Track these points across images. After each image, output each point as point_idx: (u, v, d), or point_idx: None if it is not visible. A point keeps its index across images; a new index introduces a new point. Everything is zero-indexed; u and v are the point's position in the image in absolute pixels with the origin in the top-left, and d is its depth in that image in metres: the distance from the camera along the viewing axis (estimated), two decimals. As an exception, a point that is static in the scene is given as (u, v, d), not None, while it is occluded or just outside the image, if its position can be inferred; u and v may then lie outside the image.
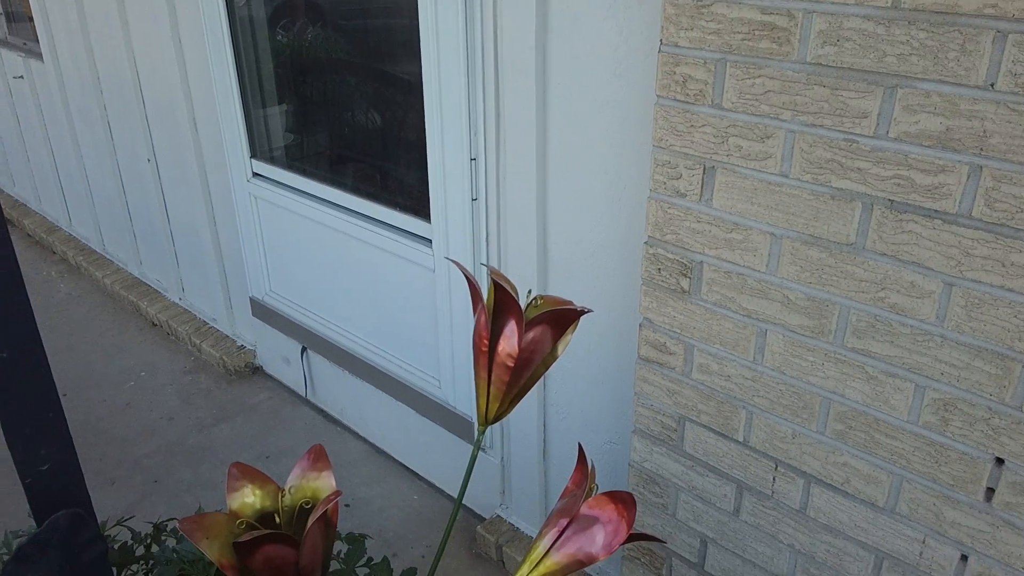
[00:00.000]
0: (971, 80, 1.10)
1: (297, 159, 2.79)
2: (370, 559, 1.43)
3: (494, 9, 1.82)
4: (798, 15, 1.22)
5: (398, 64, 2.33)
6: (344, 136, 2.65)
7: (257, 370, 3.35)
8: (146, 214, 3.66)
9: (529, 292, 1.04)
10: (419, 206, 2.29)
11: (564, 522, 0.88)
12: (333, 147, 2.70)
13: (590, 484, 0.92)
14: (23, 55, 4.04)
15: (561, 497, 0.95)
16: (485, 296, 0.98)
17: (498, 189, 2.00)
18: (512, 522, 2.44)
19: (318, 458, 0.95)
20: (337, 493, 0.90)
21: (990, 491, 1.28)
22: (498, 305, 0.97)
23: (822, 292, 1.35)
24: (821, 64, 1.22)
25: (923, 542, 1.39)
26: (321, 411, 3.10)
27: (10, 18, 4.20)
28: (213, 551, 0.84)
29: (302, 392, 3.15)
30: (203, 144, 3.08)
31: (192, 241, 3.43)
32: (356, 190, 2.52)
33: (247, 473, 0.93)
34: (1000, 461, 1.26)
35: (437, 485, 2.71)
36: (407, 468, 2.79)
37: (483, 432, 1.04)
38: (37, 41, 3.83)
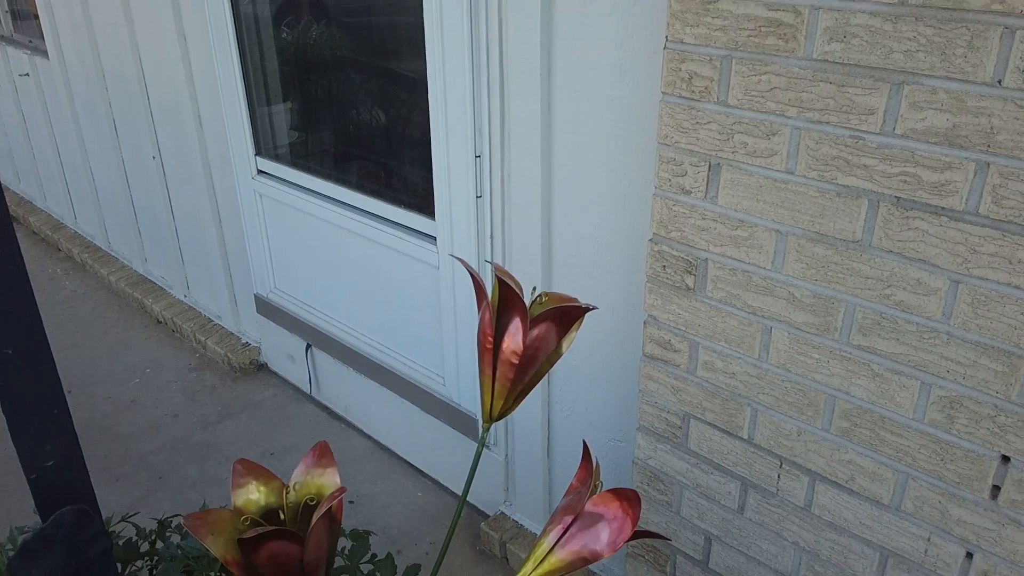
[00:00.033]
0: (978, 77, 1.10)
1: (302, 156, 2.79)
2: (374, 555, 1.43)
3: (499, 6, 1.81)
4: (804, 11, 1.21)
5: (403, 61, 2.33)
6: (349, 133, 2.65)
7: (262, 367, 3.36)
8: (151, 211, 3.67)
9: (534, 289, 1.04)
10: (424, 203, 2.29)
11: (569, 519, 0.88)
12: (338, 144, 2.70)
13: (595, 481, 0.92)
14: (29, 53, 4.05)
15: (566, 494, 0.95)
16: (490, 293, 0.98)
17: (503, 186, 2.00)
18: (516, 519, 2.44)
19: (323, 454, 0.95)
20: (342, 490, 0.90)
21: (996, 489, 1.28)
22: (503, 302, 0.97)
23: (828, 289, 1.35)
24: (827, 61, 1.22)
25: (928, 540, 1.38)
26: (325, 408, 3.10)
27: (15, 16, 4.20)
28: (218, 547, 0.84)
29: (307, 389, 3.16)
30: (208, 141, 3.08)
31: (197, 238, 3.44)
32: (361, 187, 2.52)
33: (252, 469, 0.92)
34: (1006, 459, 1.25)
35: (441, 482, 2.71)
36: (411, 465, 2.79)
37: (487, 429, 1.04)
38: (43, 39, 3.84)
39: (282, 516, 0.91)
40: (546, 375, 1.25)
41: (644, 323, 1.63)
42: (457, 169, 2.06)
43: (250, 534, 0.83)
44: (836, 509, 1.49)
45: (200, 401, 3.17)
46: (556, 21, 1.74)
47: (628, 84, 1.67)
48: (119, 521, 1.50)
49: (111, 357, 3.49)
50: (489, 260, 2.13)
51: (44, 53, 3.89)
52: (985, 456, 1.27)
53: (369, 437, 2.94)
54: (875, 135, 1.21)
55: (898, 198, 1.22)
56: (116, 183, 3.81)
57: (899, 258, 1.25)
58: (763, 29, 1.26)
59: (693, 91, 1.38)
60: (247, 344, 3.40)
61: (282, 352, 3.20)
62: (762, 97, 1.30)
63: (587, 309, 0.97)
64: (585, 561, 0.88)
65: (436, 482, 2.72)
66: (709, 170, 1.42)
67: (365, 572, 1.42)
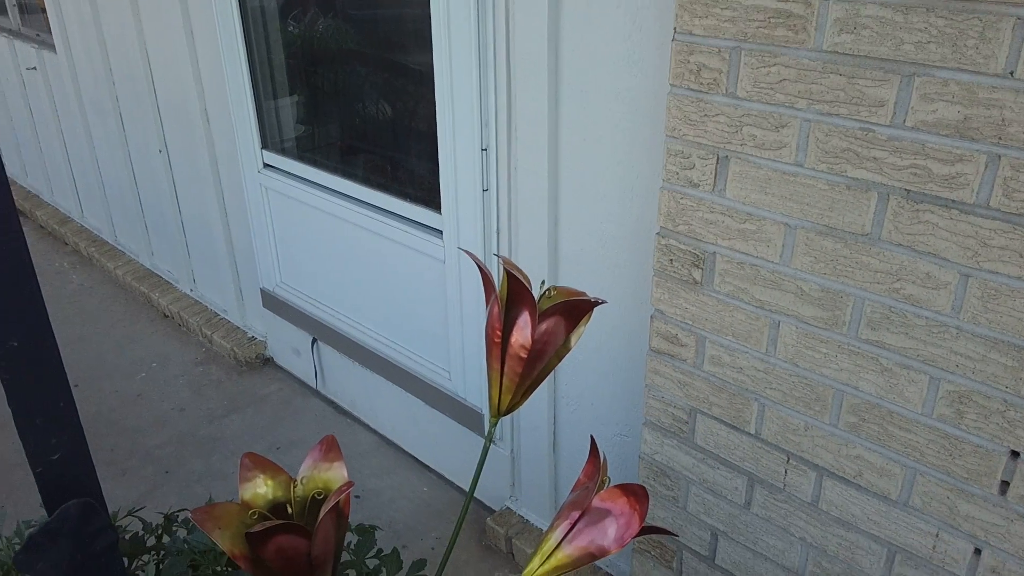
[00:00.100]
0: (990, 68, 1.09)
1: (308, 150, 2.79)
2: (380, 550, 1.43)
3: (505, -2, 1.81)
4: (815, 2, 1.20)
5: (409, 54, 2.32)
6: (355, 127, 2.65)
7: (268, 361, 3.36)
8: (158, 205, 3.67)
9: (542, 283, 1.03)
10: (430, 197, 2.28)
11: (576, 514, 0.87)
12: (344, 138, 2.70)
13: (602, 477, 0.91)
14: (36, 46, 4.05)
15: (573, 489, 0.94)
16: (498, 287, 0.98)
17: (509, 180, 2.00)
18: (522, 514, 2.44)
19: (330, 449, 0.95)
20: (349, 484, 0.89)
21: (1005, 484, 1.27)
22: (511, 296, 0.96)
23: (836, 283, 1.34)
24: (838, 52, 1.21)
25: (936, 535, 1.38)
26: (331, 402, 3.10)
27: (23, 9, 4.21)
28: (225, 541, 0.84)
29: (312, 383, 3.16)
30: (214, 135, 3.08)
31: (203, 232, 3.44)
32: (367, 181, 2.52)
33: (259, 463, 0.92)
34: (1015, 454, 1.24)
35: (447, 477, 2.71)
36: (417, 460, 2.79)
37: (495, 424, 1.03)
38: (50, 32, 3.84)
39: (289, 510, 0.91)
40: (553, 370, 1.24)
41: (651, 317, 1.63)
42: (464, 162, 2.06)
43: (258, 528, 0.83)
44: (844, 505, 1.48)
45: (206, 395, 3.18)
46: (564, 13, 1.73)
47: (636, 76, 1.66)
48: (125, 515, 1.50)
49: (118, 351, 3.49)
50: (497, 254, 2.12)
51: (52, 47, 3.89)
52: (994, 451, 1.26)
53: (375, 432, 2.94)
54: (885, 127, 1.20)
55: (908, 191, 1.21)
56: (123, 177, 3.82)
57: (909, 251, 1.24)
58: (772, 20, 1.25)
59: (701, 83, 1.37)
60: (253, 338, 3.40)
61: (288, 346, 3.20)
62: (771, 89, 1.29)
63: (596, 303, 0.97)
64: (592, 557, 0.87)
65: (442, 477, 2.72)
66: (717, 163, 1.41)
67: (371, 567, 1.42)
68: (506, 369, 0.98)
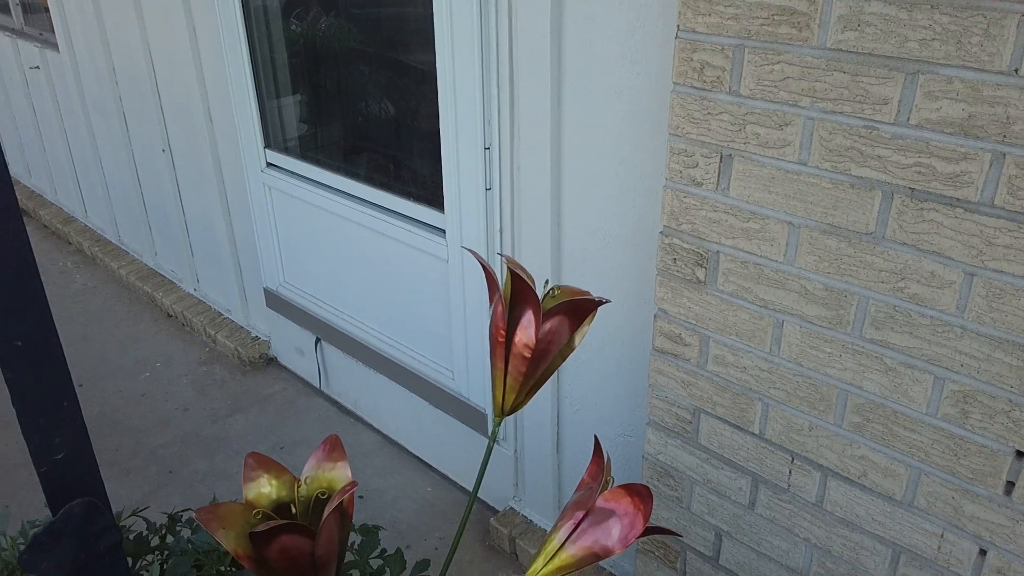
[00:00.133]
0: (994, 65, 1.08)
1: (311, 149, 2.79)
2: (384, 551, 1.43)
3: (508, -3, 1.80)
4: (818, 0, 1.20)
5: (412, 53, 2.32)
6: (358, 126, 2.65)
7: (271, 361, 3.36)
8: (161, 205, 3.67)
9: (546, 283, 1.03)
10: (433, 196, 2.28)
11: (580, 515, 0.87)
12: (347, 137, 2.70)
13: (606, 477, 0.91)
14: (39, 46, 4.05)
15: (577, 489, 0.94)
16: (502, 286, 0.98)
17: (512, 179, 1.99)
18: (525, 514, 2.44)
19: (334, 448, 0.95)
20: (353, 484, 0.89)
21: (1010, 485, 1.26)
22: (515, 295, 0.96)
23: (840, 282, 1.34)
24: (841, 50, 1.20)
25: (941, 536, 1.37)
26: (335, 402, 3.10)
27: (26, 8, 4.21)
28: (229, 541, 0.84)
29: (316, 383, 3.16)
30: (217, 134, 3.08)
31: (207, 232, 3.44)
32: (370, 180, 2.52)
33: (263, 463, 0.92)
34: (1020, 454, 1.24)
35: (450, 477, 2.71)
36: (420, 460, 2.79)
37: (499, 424, 1.03)
38: (53, 31, 3.85)
39: (293, 510, 0.91)
40: (556, 369, 1.24)
41: (654, 317, 1.62)
42: (466, 161, 2.06)
43: (262, 528, 0.83)
44: (848, 505, 1.48)
45: (210, 395, 3.18)
46: (566, 11, 1.73)
47: (639, 74, 1.66)
48: (129, 515, 1.50)
49: (121, 351, 3.50)
50: (501, 253, 2.12)
51: (55, 46, 3.89)
52: (999, 451, 1.26)
53: (378, 431, 2.94)
54: (889, 125, 1.19)
55: (912, 189, 1.21)
56: (126, 177, 3.82)
57: (913, 250, 1.24)
58: (776, 18, 1.25)
59: (705, 81, 1.37)
60: (256, 338, 3.40)
61: (291, 346, 3.20)
62: (775, 87, 1.29)
63: (600, 302, 0.96)
64: (596, 557, 0.87)
65: (445, 477, 2.72)
66: (721, 161, 1.40)
67: (375, 567, 1.42)
68: (510, 368, 0.98)
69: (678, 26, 1.37)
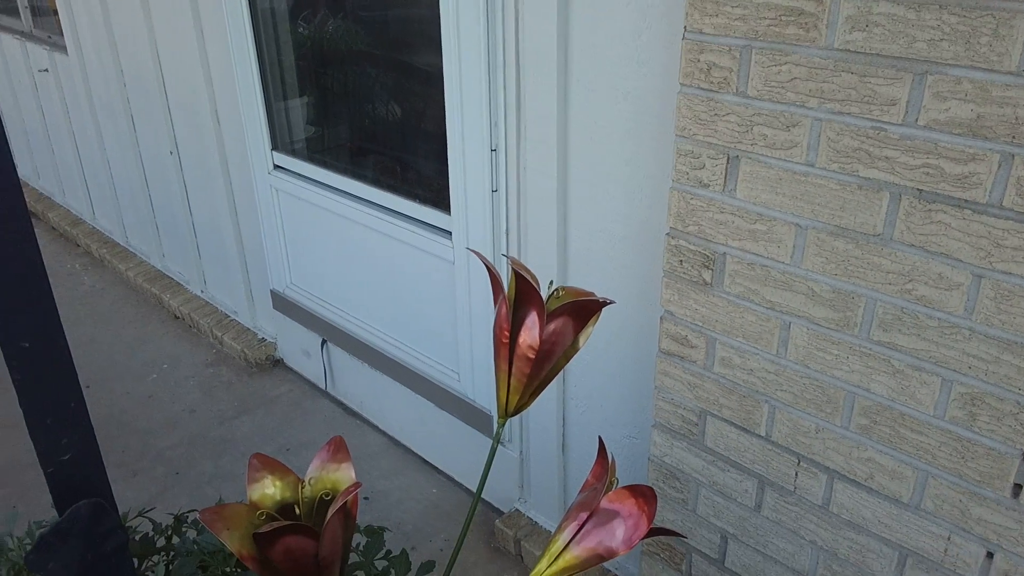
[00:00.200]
0: (1003, 66, 1.08)
1: (318, 151, 2.79)
2: (388, 552, 1.43)
3: (514, -1, 1.80)
4: (826, 0, 1.20)
5: (418, 55, 2.32)
6: (364, 128, 2.65)
7: (278, 363, 3.37)
8: (168, 207, 3.69)
9: (551, 283, 1.03)
10: (439, 198, 2.28)
11: (584, 516, 0.87)
12: (353, 139, 2.70)
13: (610, 478, 0.91)
14: (48, 48, 4.07)
15: (581, 491, 0.94)
16: (506, 287, 0.97)
17: (518, 180, 1.99)
18: (530, 516, 2.44)
19: (338, 449, 0.95)
20: (357, 485, 0.89)
21: (1017, 487, 1.26)
22: (519, 296, 0.96)
23: (848, 284, 1.33)
24: (849, 50, 1.20)
25: (948, 539, 1.36)
26: (341, 404, 3.10)
27: (35, 12, 4.23)
28: (233, 542, 0.84)
29: (322, 385, 3.16)
30: (225, 137, 3.09)
31: (214, 234, 3.45)
32: (376, 182, 2.52)
33: (267, 464, 0.92)
34: (1030, 457, 1.23)
35: (455, 478, 2.71)
36: (425, 461, 2.79)
37: (503, 425, 1.03)
38: (61, 34, 3.87)
39: (298, 511, 0.91)
40: (561, 370, 1.23)
41: (660, 318, 1.62)
42: (473, 163, 2.06)
43: (265, 529, 0.83)
44: (855, 508, 1.47)
45: (217, 397, 3.19)
46: (572, 12, 1.73)
47: (645, 75, 1.65)
48: (136, 516, 1.51)
49: (129, 352, 3.51)
50: (505, 254, 2.12)
51: (63, 49, 3.91)
52: (1007, 454, 1.25)
53: (384, 433, 2.94)
54: (897, 126, 1.19)
55: (920, 191, 1.20)
56: (134, 179, 3.84)
57: (921, 252, 1.23)
58: (783, 18, 1.24)
59: (712, 82, 1.37)
60: (263, 340, 3.41)
61: (298, 348, 3.21)
62: (782, 88, 1.28)
63: (605, 303, 0.96)
64: (600, 558, 0.87)
65: (450, 478, 2.72)
66: (727, 163, 1.40)
67: (379, 568, 1.42)
68: (514, 369, 0.98)
69: (685, 27, 1.37)
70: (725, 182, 1.42)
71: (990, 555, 1.32)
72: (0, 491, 2.69)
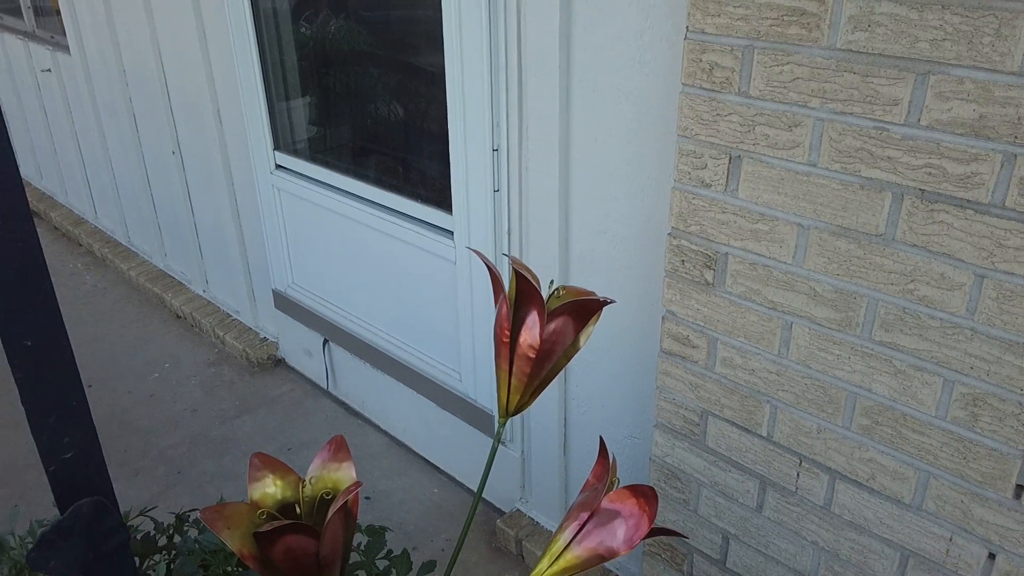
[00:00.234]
0: (1006, 66, 1.07)
1: (320, 151, 2.79)
2: (390, 551, 1.43)
3: (517, -1, 1.80)
4: (828, 0, 1.19)
5: (421, 55, 2.32)
6: (367, 128, 2.65)
7: (279, 362, 3.37)
8: (171, 207, 3.69)
9: (551, 283, 1.03)
10: (441, 198, 2.28)
11: (585, 516, 0.87)
12: (356, 139, 2.70)
13: (611, 478, 0.91)
14: (51, 48, 4.08)
15: (582, 491, 0.94)
16: (507, 287, 0.97)
17: (520, 180, 1.99)
18: (532, 516, 2.44)
19: (339, 449, 0.95)
20: (357, 484, 0.89)
21: (1020, 488, 1.25)
22: (520, 295, 0.96)
23: (850, 284, 1.33)
24: (852, 50, 1.20)
25: (950, 540, 1.36)
26: (342, 403, 3.11)
27: (38, 12, 4.24)
28: (234, 541, 0.84)
29: (324, 384, 3.16)
30: (227, 136, 3.10)
31: (216, 233, 3.45)
32: (378, 182, 2.52)
33: (268, 463, 0.92)
34: (1032, 458, 1.23)
35: (457, 478, 2.71)
36: (427, 461, 2.79)
37: (503, 425, 1.03)
38: (64, 34, 3.87)
39: (298, 510, 0.91)
40: (562, 370, 1.24)
41: (662, 318, 1.62)
42: (475, 163, 2.06)
43: (266, 528, 0.83)
44: (856, 508, 1.47)
45: (218, 396, 3.19)
46: (574, 12, 1.73)
47: (647, 76, 1.65)
48: (137, 515, 1.51)
49: (131, 352, 3.51)
50: (507, 253, 2.12)
51: (66, 49, 3.92)
52: (1009, 454, 1.24)
53: (386, 433, 2.94)
54: (900, 126, 1.19)
55: (922, 191, 1.20)
56: (136, 179, 3.84)
57: (923, 252, 1.23)
58: (786, 18, 1.24)
59: (714, 82, 1.36)
60: (265, 339, 3.41)
61: (299, 347, 3.21)
62: (784, 88, 1.28)
63: (605, 303, 0.96)
64: (601, 558, 0.87)
65: (452, 478, 2.72)
66: (730, 163, 1.40)
67: (381, 568, 1.42)
68: (514, 369, 0.97)
69: (687, 27, 1.37)
70: (727, 182, 1.42)
71: (992, 556, 1.32)
72: (1, 490, 2.69)
